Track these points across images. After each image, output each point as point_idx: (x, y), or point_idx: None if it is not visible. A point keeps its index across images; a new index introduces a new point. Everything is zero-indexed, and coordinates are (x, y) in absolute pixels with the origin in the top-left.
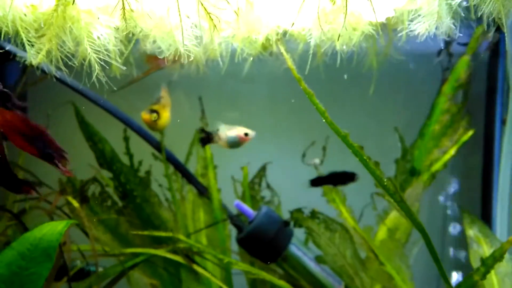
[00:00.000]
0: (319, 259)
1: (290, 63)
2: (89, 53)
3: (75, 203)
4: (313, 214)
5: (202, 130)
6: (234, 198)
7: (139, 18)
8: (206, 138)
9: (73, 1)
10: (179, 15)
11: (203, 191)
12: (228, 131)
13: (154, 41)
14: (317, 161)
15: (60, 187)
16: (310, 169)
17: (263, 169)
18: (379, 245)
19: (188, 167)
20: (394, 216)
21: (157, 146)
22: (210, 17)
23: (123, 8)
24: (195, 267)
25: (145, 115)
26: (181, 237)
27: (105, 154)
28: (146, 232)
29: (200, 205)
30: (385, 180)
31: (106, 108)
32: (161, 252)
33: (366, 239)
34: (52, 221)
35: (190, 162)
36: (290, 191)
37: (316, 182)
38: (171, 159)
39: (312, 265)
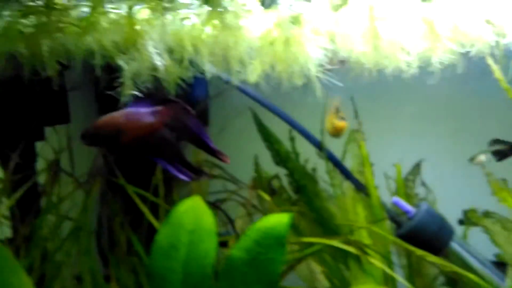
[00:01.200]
0: (499, 257)
1: (498, 74)
2: (311, 71)
3: (267, 197)
4: (487, 214)
5: (500, 141)
6: (388, 194)
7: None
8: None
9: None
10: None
11: (360, 187)
12: None
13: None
14: (483, 158)
15: (253, 182)
16: (466, 167)
17: (417, 167)
18: None
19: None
20: None
21: (318, 145)
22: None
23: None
24: (364, 257)
25: (340, 123)
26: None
27: (280, 153)
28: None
29: (358, 200)
30: None
31: (277, 112)
32: (336, 243)
33: None
34: (246, 211)
35: (345, 159)
36: (446, 189)
37: (501, 154)
38: (331, 158)
39: (475, 262)
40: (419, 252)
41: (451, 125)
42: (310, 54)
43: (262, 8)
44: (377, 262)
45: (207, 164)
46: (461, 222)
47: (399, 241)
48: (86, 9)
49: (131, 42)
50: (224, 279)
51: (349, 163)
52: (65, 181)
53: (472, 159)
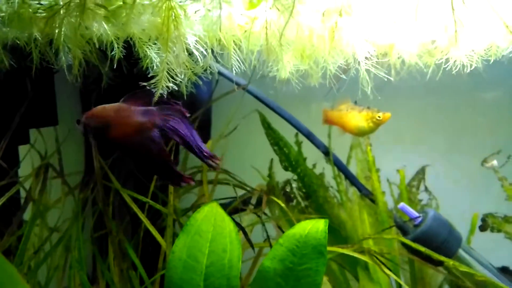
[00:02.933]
0: None
1: None
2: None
3: (281, 203)
4: (507, 219)
5: None
6: (391, 200)
7: None
8: None
9: None
10: None
11: (366, 193)
12: None
13: None
14: (495, 162)
15: (266, 188)
16: (471, 172)
17: (421, 172)
18: None
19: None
20: None
21: (325, 150)
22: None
23: None
24: (371, 266)
25: (385, 114)
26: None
27: (290, 157)
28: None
29: (364, 207)
30: None
31: (284, 116)
32: (348, 251)
33: None
34: (259, 217)
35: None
36: (449, 194)
37: None
38: (337, 163)
39: (480, 268)
40: (435, 255)
41: (454, 131)
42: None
43: None
44: (389, 272)
45: (209, 168)
46: (482, 228)
47: (407, 249)
48: None
49: (166, 31)
50: None
51: (354, 169)
52: (54, 187)
53: (483, 162)
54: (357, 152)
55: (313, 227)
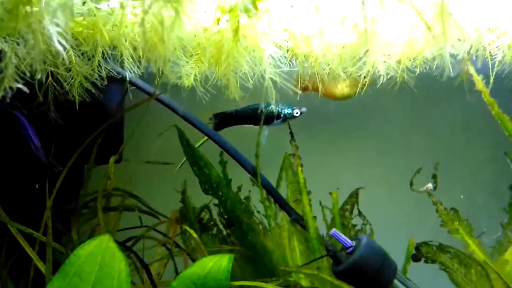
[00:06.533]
0: None
1: (481, 86)
2: (266, 73)
3: (193, 233)
4: (442, 248)
5: None
6: (324, 225)
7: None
8: None
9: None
10: None
11: (296, 218)
12: None
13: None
14: (430, 186)
15: (176, 215)
16: (405, 195)
17: (355, 195)
18: None
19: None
20: None
21: (253, 171)
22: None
23: None
24: None
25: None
26: None
27: (212, 179)
28: None
29: (294, 233)
30: None
31: (205, 131)
32: (272, 286)
33: (500, 274)
34: (168, 251)
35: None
36: (384, 218)
37: None
38: (265, 185)
39: None
40: None
41: (389, 151)
42: (266, 51)
43: None
44: None
45: (118, 192)
46: (415, 258)
47: (342, 279)
48: None
49: (20, 21)
50: None
51: (285, 191)
52: None
53: (412, 186)
54: (288, 174)
55: (215, 264)
